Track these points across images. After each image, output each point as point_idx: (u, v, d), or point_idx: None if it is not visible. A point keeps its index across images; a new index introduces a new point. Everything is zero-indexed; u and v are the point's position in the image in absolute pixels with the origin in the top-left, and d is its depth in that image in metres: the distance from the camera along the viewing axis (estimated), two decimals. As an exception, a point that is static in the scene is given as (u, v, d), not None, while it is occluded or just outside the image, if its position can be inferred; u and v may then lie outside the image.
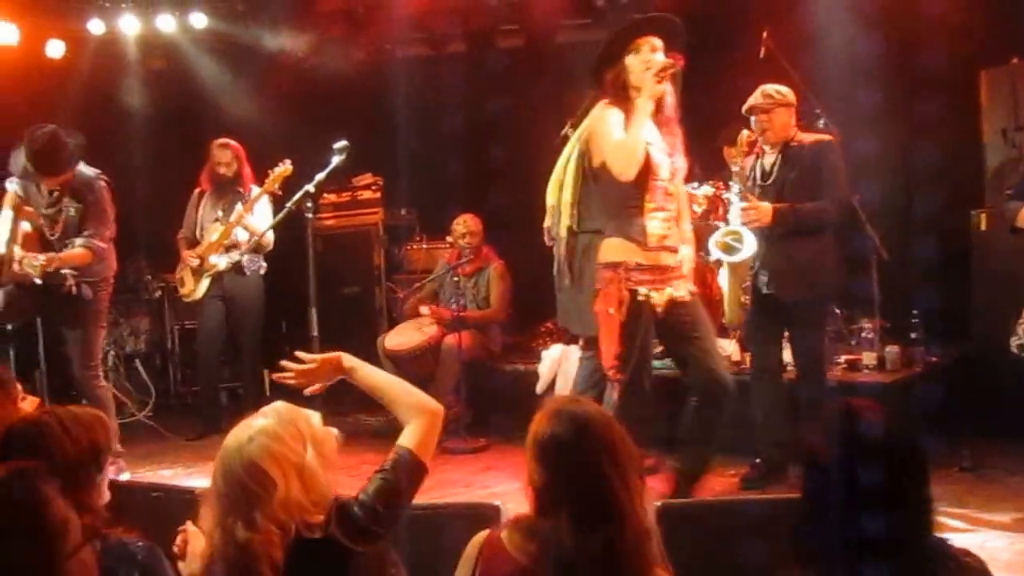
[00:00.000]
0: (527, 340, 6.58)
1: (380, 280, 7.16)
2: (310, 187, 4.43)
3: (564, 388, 5.32)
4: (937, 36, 5.32)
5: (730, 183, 4.59)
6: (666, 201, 3.98)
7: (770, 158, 4.60)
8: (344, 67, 7.53)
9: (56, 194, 5.12)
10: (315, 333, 4.22)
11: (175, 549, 2.26)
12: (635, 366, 3.87)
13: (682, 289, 3.99)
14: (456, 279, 6.15)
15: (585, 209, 4.80)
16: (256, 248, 6.02)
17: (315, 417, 2.17)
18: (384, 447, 2.22)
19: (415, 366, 5.79)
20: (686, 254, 4.07)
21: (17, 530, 1.54)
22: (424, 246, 7.19)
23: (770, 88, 4.54)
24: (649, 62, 3.89)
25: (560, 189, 4.62)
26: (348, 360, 2.38)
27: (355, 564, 2.01)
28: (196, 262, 6.12)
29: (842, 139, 4.88)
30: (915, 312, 5.37)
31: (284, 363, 2.47)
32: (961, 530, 3.79)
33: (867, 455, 1.68)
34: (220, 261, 6.06)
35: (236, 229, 6.02)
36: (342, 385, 2.48)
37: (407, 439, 2.17)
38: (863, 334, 5.52)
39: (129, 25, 6.98)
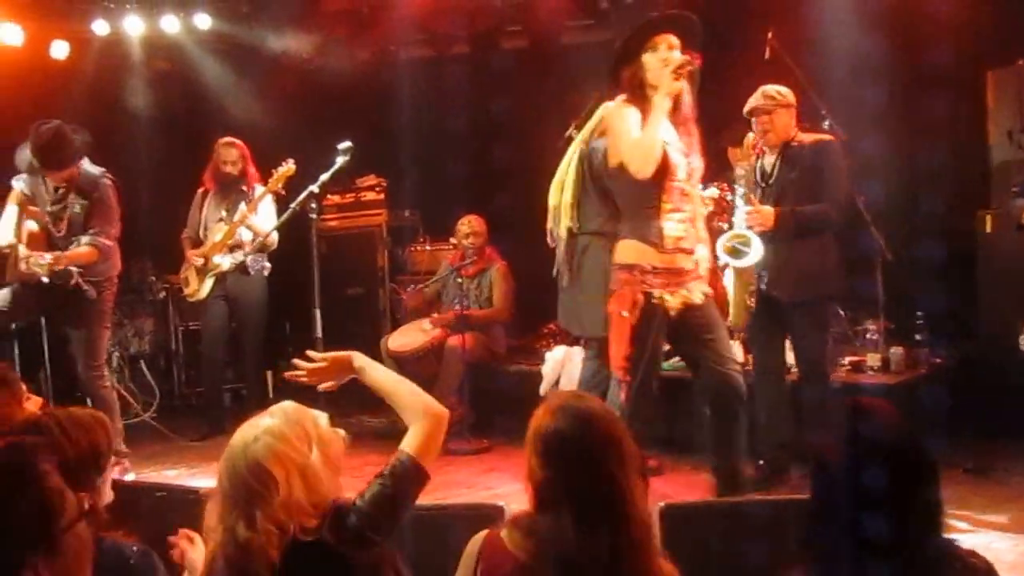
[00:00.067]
0: (531, 341, 6.58)
1: (384, 281, 7.17)
2: (314, 188, 4.44)
3: (568, 389, 5.32)
4: (943, 36, 5.31)
5: (735, 185, 4.57)
6: (683, 202, 3.94)
7: (770, 159, 4.59)
8: (348, 68, 7.53)
9: (61, 191, 5.13)
10: (319, 334, 4.22)
11: (173, 558, 2.26)
12: (644, 368, 3.86)
13: (696, 292, 3.96)
14: (459, 280, 6.15)
15: (585, 211, 4.84)
16: (260, 248, 6.03)
17: (323, 418, 2.17)
18: (387, 448, 2.22)
19: (418, 367, 5.79)
20: (702, 255, 4.04)
21: (13, 502, 1.55)
22: (428, 247, 7.19)
23: (771, 89, 4.53)
24: (666, 60, 3.85)
25: (562, 191, 4.63)
26: (358, 360, 2.38)
27: (347, 569, 2.01)
28: (200, 262, 6.13)
29: (847, 140, 4.87)
30: (920, 313, 5.36)
31: (296, 361, 2.46)
32: (966, 531, 3.79)
33: (877, 455, 1.67)
34: (224, 261, 6.07)
35: (240, 229, 6.03)
36: (345, 386, 2.48)
37: (409, 443, 2.16)
38: (867, 335, 5.51)
39: (133, 26, 6.99)
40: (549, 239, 4.98)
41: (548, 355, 5.86)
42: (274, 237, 5.95)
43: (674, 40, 3.90)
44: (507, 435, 5.60)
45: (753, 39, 5.28)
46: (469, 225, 6.25)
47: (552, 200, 4.90)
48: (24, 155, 5.10)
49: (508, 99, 6.94)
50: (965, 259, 5.43)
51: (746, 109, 4.56)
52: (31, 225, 5.13)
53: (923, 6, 5.58)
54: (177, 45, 7.31)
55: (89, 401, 5.08)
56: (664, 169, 3.84)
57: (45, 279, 4.90)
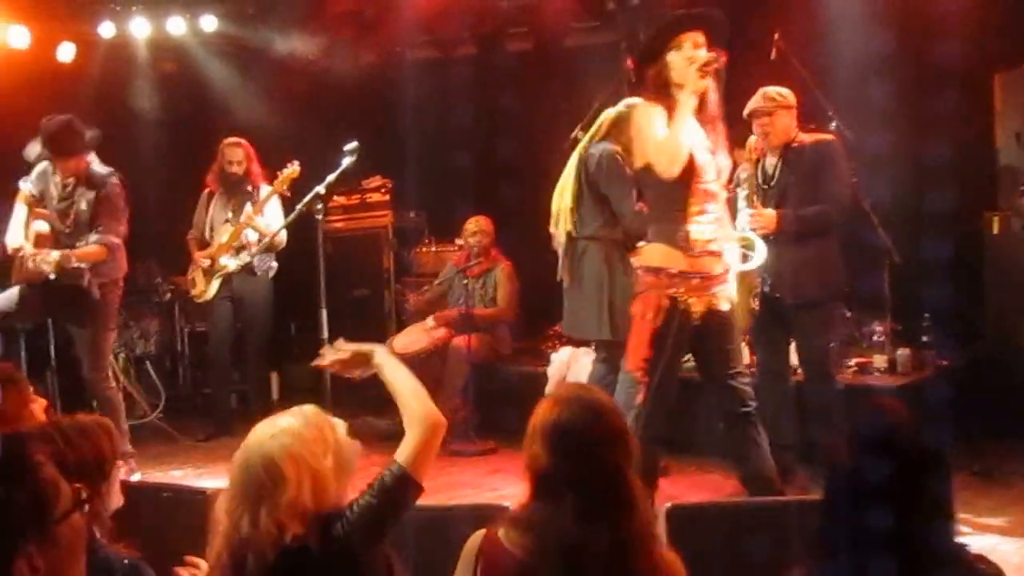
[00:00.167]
0: (536, 343, 6.58)
1: (389, 283, 7.17)
2: (320, 188, 4.44)
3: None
4: (951, 38, 5.29)
5: (737, 188, 4.57)
6: (710, 203, 3.88)
7: (772, 160, 4.59)
8: (354, 70, 7.54)
9: (69, 188, 5.15)
10: (325, 335, 4.22)
11: None
12: (663, 371, 3.82)
13: (722, 297, 3.91)
14: (465, 281, 6.15)
15: (583, 215, 4.87)
16: (268, 248, 6.04)
17: (341, 427, 2.17)
18: (393, 450, 2.21)
19: (423, 368, 5.77)
20: (732, 256, 3.98)
21: (6, 493, 1.56)
22: (433, 249, 7.20)
23: (771, 91, 4.53)
24: (692, 58, 3.78)
25: (563, 195, 4.65)
26: (379, 355, 2.39)
27: (338, 573, 2.01)
28: (207, 263, 6.14)
29: (853, 141, 4.87)
30: (926, 315, 5.35)
31: (324, 349, 2.49)
32: (972, 533, 3.78)
33: (887, 454, 1.67)
34: (230, 263, 6.08)
35: (246, 230, 6.04)
36: (350, 387, 2.49)
37: (402, 453, 2.15)
38: (874, 337, 5.50)
39: (140, 28, 7.00)
40: (554, 242, 5.01)
41: (553, 356, 5.86)
42: (282, 236, 5.95)
43: (699, 38, 3.83)
44: (512, 436, 5.55)
45: (759, 39, 5.27)
46: (476, 224, 6.26)
47: (554, 204, 4.94)
48: (35, 148, 5.12)
49: (514, 101, 6.94)
50: (972, 260, 5.43)
51: (746, 111, 4.55)
52: (40, 225, 5.14)
53: (930, 7, 5.57)
54: (183, 47, 7.32)
55: (94, 402, 5.09)
56: (691, 170, 3.78)
57: (52, 276, 4.91)
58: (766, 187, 4.56)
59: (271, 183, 5.97)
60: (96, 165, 5.20)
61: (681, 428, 5.30)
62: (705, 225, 3.84)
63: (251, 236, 6.07)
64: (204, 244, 6.24)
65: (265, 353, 6.37)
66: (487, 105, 7.04)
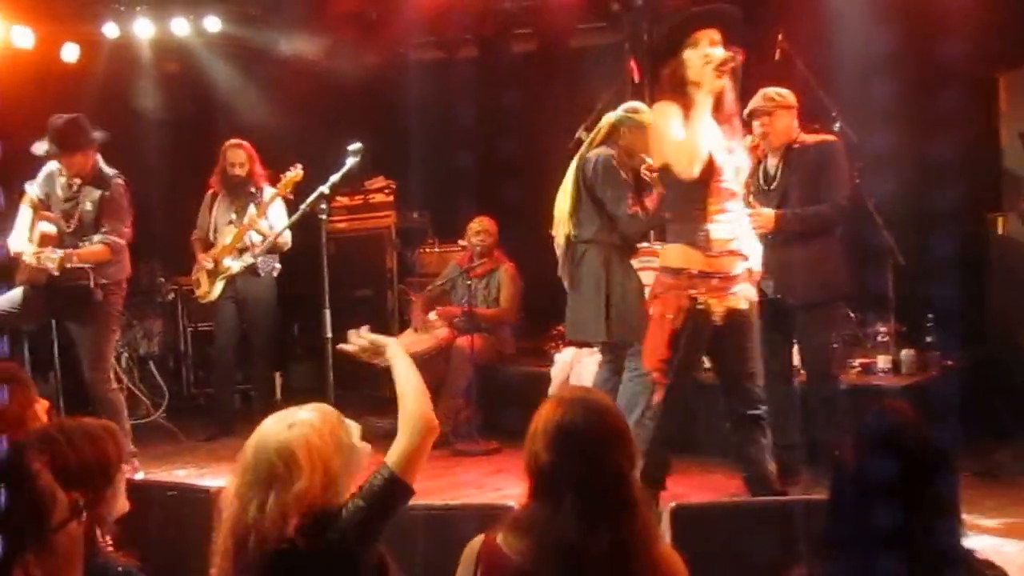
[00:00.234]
0: (539, 343, 6.58)
1: (392, 283, 7.18)
2: (324, 188, 4.44)
3: (577, 390, 5.33)
4: (956, 38, 5.30)
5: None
6: (730, 202, 3.84)
7: (773, 161, 4.58)
8: (357, 71, 7.54)
9: (74, 188, 5.16)
10: (329, 335, 4.22)
11: None
12: (681, 372, 3.80)
13: (742, 297, 3.86)
14: (468, 281, 6.16)
15: (580, 219, 4.90)
16: (272, 248, 6.05)
17: (356, 430, 2.19)
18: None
19: (427, 369, 5.76)
20: (753, 255, 3.92)
21: (3, 502, 1.56)
22: (436, 249, 7.20)
23: (771, 91, 4.52)
24: (708, 56, 3.72)
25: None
26: (392, 350, 2.43)
27: (327, 571, 2.02)
28: (211, 265, 6.15)
29: (857, 141, 4.86)
30: (930, 315, 5.35)
31: (350, 332, 2.54)
32: (975, 534, 3.77)
33: (895, 456, 1.67)
34: (234, 264, 6.09)
35: (249, 232, 6.05)
36: (353, 387, 2.50)
37: (393, 455, 2.15)
38: (878, 338, 5.50)
39: (143, 29, 7.02)
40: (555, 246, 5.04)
41: (557, 356, 5.86)
42: (286, 237, 5.96)
43: (716, 35, 3.76)
44: (515, 436, 5.52)
45: (762, 40, 5.27)
46: (480, 224, 6.26)
47: (556, 208, 4.96)
48: (42, 145, 5.14)
49: (517, 101, 6.94)
50: (976, 261, 5.42)
51: (746, 111, 4.54)
52: (45, 227, 5.15)
53: (935, 8, 5.57)
54: (187, 48, 7.33)
55: (96, 403, 5.10)
56: (710, 170, 3.73)
57: (56, 273, 4.92)
58: (767, 188, 4.56)
59: (274, 184, 5.97)
60: (101, 163, 5.22)
61: (683, 428, 5.31)
62: (725, 224, 3.80)
63: (255, 238, 6.08)
64: (208, 245, 6.25)
65: (269, 353, 6.38)
66: (490, 106, 7.04)
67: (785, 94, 4.52)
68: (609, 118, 4.96)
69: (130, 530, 2.31)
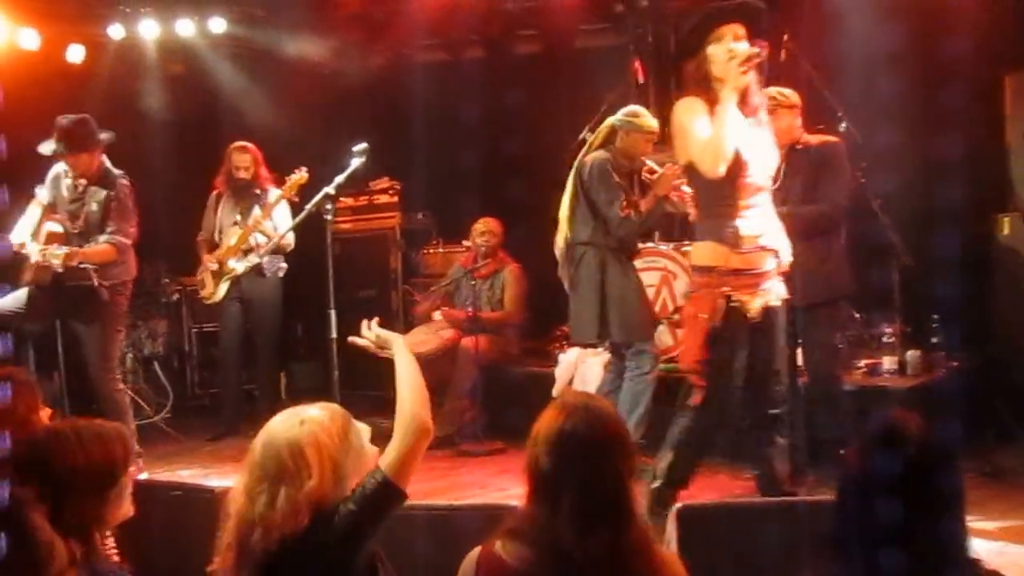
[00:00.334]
0: (543, 343, 6.58)
1: (396, 283, 7.18)
2: (330, 189, 4.45)
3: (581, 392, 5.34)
4: (962, 40, 5.29)
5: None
6: (757, 197, 3.76)
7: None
8: (362, 72, 7.55)
9: (80, 188, 5.18)
10: (334, 335, 4.22)
11: None
12: (719, 374, 3.71)
13: (774, 294, 3.80)
14: (472, 282, 6.16)
15: (577, 221, 4.92)
16: (276, 249, 6.06)
17: (365, 432, 2.19)
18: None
19: (431, 369, 5.77)
20: (783, 249, 3.85)
21: (4, 554, 1.57)
22: (441, 250, 7.20)
23: (773, 90, 4.48)
24: (732, 52, 3.63)
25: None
26: (396, 344, 2.49)
27: (322, 571, 2.02)
28: (215, 266, 6.16)
29: (863, 142, 4.86)
30: (936, 316, 5.33)
31: (364, 323, 2.63)
32: (981, 536, 3.75)
33: (900, 457, 1.66)
34: (238, 266, 6.10)
35: (254, 233, 6.06)
36: (355, 387, 2.51)
37: (387, 459, 2.14)
38: (884, 338, 5.48)
39: (149, 30, 7.03)
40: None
41: (561, 357, 5.85)
42: (290, 238, 5.97)
43: (740, 30, 3.69)
44: (519, 437, 5.52)
45: (768, 41, 5.26)
46: (485, 225, 6.27)
47: (560, 212, 5.01)
48: (49, 145, 5.16)
49: (522, 103, 6.94)
50: (982, 262, 5.41)
51: None
52: (52, 226, 5.17)
53: (941, 9, 5.56)
54: (192, 49, 7.34)
55: (102, 403, 5.11)
56: (737, 165, 3.65)
57: (60, 270, 4.94)
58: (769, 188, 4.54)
59: (279, 186, 5.98)
60: (108, 164, 5.24)
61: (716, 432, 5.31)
62: (754, 220, 3.72)
63: (259, 239, 6.09)
64: (213, 246, 6.26)
65: (274, 354, 6.38)
66: (495, 107, 7.05)
67: (788, 94, 4.50)
68: (609, 121, 5.01)
69: (134, 531, 2.31)
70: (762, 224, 3.74)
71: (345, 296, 5.91)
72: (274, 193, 6.05)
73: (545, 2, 7.05)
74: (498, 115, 7.06)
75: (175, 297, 7.32)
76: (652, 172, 4.86)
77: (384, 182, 7.28)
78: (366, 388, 5.82)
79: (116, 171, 5.25)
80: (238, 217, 6.18)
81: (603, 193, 4.87)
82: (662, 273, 5.84)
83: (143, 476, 4.93)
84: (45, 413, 3.02)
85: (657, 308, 5.66)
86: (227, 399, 6.47)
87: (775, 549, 2.61)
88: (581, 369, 5.60)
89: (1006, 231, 5.39)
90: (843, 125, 5.00)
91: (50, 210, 5.24)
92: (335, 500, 2.04)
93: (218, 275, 6.16)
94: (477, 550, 2.00)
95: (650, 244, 5.91)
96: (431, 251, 7.28)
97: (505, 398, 5.88)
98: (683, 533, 2.71)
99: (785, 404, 3.93)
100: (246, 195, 6.19)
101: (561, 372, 5.74)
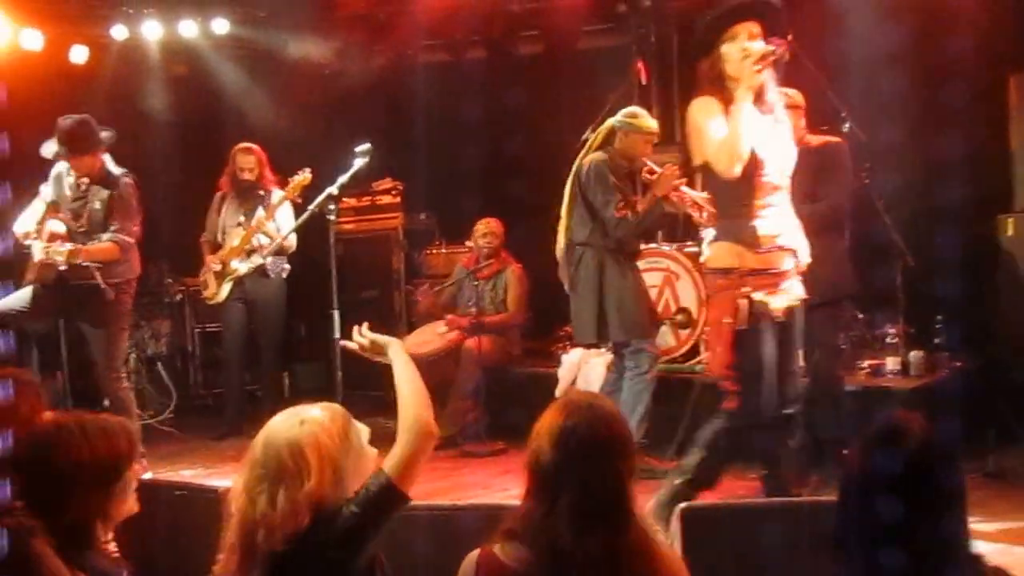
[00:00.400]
0: (546, 344, 6.58)
1: (399, 284, 7.19)
2: (333, 189, 4.45)
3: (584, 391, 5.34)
4: (966, 40, 5.28)
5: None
6: (774, 195, 3.71)
7: None
8: (365, 73, 7.55)
9: (83, 187, 5.18)
10: (337, 335, 4.23)
11: None
12: (752, 376, 3.63)
13: (794, 294, 3.76)
14: (475, 283, 6.16)
15: (575, 222, 4.93)
16: (279, 250, 6.07)
17: (365, 433, 2.19)
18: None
19: (434, 370, 5.79)
20: (799, 247, 3.80)
21: None
22: (443, 251, 7.20)
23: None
24: (747, 51, 3.59)
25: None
26: (393, 350, 2.44)
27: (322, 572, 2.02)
28: (219, 266, 6.17)
29: (867, 143, 4.85)
30: (939, 317, 5.33)
31: (356, 328, 2.55)
32: (983, 536, 3.75)
33: (902, 456, 1.66)
34: (241, 266, 6.11)
35: (257, 234, 6.07)
36: (358, 387, 2.51)
37: (390, 461, 2.14)
38: (887, 339, 5.48)
39: (152, 31, 7.04)
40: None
41: (564, 357, 5.84)
42: (292, 239, 5.98)
43: (755, 29, 3.64)
44: (522, 437, 5.51)
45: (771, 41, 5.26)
46: (487, 226, 6.27)
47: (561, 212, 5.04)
48: (51, 146, 5.16)
49: (524, 103, 6.95)
50: (986, 263, 5.40)
51: None
52: (55, 225, 5.17)
53: (945, 9, 5.55)
54: (195, 50, 7.34)
55: (105, 402, 5.11)
56: (754, 165, 3.61)
57: (63, 266, 4.94)
58: None
59: (283, 187, 5.99)
60: (110, 165, 5.25)
61: (686, 429, 5.31)
62: (772, 220, 3.68)
63: (262, 240, 6.10)
64: (216, 247, 6.27)
65: (277, 354, 6.39)
66: (497, 107, 7.05)
67: (792, 94, 4.49)
68: (608, 123, 5.02)
69: (138, 530, 2.31)
70: (780, 223, 3.70)
71: (348, 297, 5.93)
72: (277, 194, 6.05)
73: (547, 3, 7.06)
74: (500, 116, 7.07)
75: (178, 297, 7.33)
76: (652, 172, 4.86)
77: (387, 183, 7.28)
78: (368, 389, 5.83)
79: (119, 169, 5.26)
80: (242, 218, 6.19)
81: (600, 194, 4.90)
82: (664, 274, 5.84)
83: (147, 476, 4.94)
84: (48, 417, 3.02)
85: (659, 309, 5.66)
86: (230, 399, 6.48)
87: (778, 549, 2.61)
88: (584, 369, 5.59)
89: (1009, 232, 5.38)
90: (847, 125, 4.99)
91: (53, 208, 5.25)
92: (335, 501, 2.04)
93: (221, 276, 6.17)
94: (476, 552, 2.00)
95: (652, 245, 5.91)
96: (434, 251, 7.28)
97: (508, 399, 5.88)
98: (686, 533, 2.71)
99: (798, 404, 3.89)
100: (250, 196, 6.20)
101: (564, 372, 5.73)
